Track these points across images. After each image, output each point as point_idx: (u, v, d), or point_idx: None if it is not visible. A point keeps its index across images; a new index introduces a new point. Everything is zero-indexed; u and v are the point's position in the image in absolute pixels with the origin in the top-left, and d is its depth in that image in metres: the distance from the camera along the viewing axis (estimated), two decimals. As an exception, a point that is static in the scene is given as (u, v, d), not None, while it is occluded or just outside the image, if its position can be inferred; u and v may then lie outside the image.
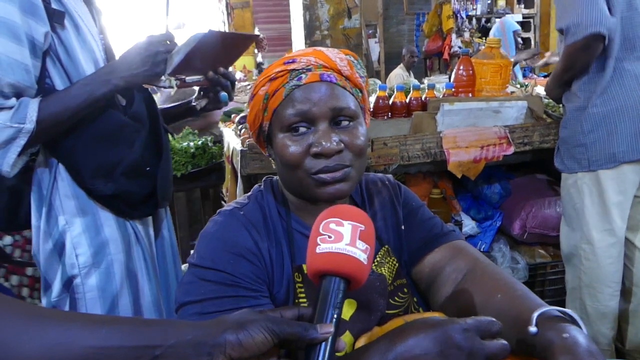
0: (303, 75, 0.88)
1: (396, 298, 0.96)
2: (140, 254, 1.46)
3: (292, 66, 0.88)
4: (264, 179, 1.02)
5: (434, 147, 2.14)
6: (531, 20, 7.76)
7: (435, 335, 0.64)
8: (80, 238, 1.35)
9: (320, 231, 0.70)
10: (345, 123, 0.89)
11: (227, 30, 1.67)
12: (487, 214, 2.52)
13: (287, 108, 0.87)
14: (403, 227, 1.00)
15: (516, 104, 2.22)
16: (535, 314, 0.73)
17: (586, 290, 2.10)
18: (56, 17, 1.24)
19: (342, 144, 0.87)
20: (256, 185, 1.01)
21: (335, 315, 0.64)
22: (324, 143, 0.85)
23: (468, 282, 0.90)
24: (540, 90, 2.84)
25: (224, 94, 1.50)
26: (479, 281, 0.89)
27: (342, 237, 0.68)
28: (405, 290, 0.98)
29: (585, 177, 2.02)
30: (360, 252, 0.68)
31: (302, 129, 0.87)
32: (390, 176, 1.09)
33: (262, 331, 0.59)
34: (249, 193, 1.00)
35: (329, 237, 0.68)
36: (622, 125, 1.94)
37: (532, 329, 0.72)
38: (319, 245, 0.69)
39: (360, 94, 0.93)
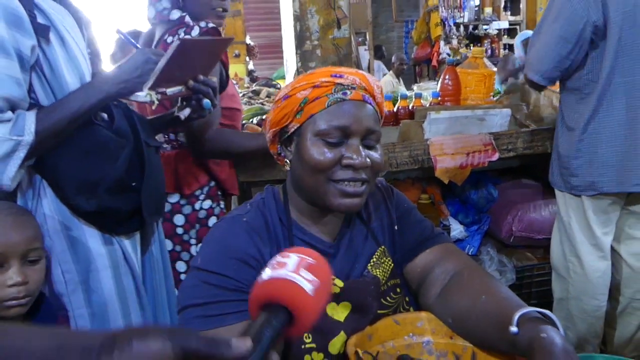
0: (348, 92, 0.95)
1: (388, 298, 1.02)
2: (128, 271, 1.44)
3: (339, 80, 0.95)
4: (265, 187, 1.07)
5: (421, 154, 2.21)
6: (517, 27, 7.89)
7: None
8: (65, 255, 1.34)
9: (267, 265, 0.67)
10: (372, 143, 0.97)
11: (201, 37, 1.69)
12: (475, 218, 2.59)
13: (328, 116, 0.94)
14: (396, 228, 1.06)
15: (500, 111, 2.30)
16: (517, 315, 0.79)
17: (574, 302, 2.12)
18: (41, 32, 1.23)
19: (369, 161, 0.94)
20: (258, 194, 1.06)
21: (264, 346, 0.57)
22: (356, 157, 0.93)
23: (455, 284, 0.97)
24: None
25: (206, 101, 1.47)
26: (466, 283, 0.95)
27: (285, 265, 0.64)
28: (398, 290, 1.04)
29: (571, 197, 2.07)
30: (304, 280, 0.63)
31: (336, 139, 0.94)
32: (382, 179, 1.15)
33: (162, 341, 0.54)
34: (251, 200, 1.05)
35: (273, 266, 0.65)
36: (605, 156, 1.94)
37: (513, 328, 0.79)
38: (260, 275, 0.65)
39: (381, 120, 1.01)
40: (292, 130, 0.98)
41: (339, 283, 0.96)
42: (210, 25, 1.68)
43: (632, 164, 1.90)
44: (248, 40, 6.63)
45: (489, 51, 7.66)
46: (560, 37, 1.89)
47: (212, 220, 1.86)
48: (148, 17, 1.83)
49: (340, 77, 0.95)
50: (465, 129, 2.27)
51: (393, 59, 6.58)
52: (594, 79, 1.92)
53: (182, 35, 1.67)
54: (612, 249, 2.11)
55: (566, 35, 1.87)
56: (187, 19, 1.72)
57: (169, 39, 1.70)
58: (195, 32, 1.68)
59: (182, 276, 1.85)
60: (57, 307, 1.36)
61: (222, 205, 1.92)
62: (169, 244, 1.80)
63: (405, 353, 0.94)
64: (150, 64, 1.31)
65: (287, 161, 1.02)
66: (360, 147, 0.94)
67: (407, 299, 1.05)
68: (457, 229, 2.52)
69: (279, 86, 4.52)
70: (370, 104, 0.96)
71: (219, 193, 1.91)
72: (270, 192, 1.05)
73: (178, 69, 1.35)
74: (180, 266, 1.86)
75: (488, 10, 7.98)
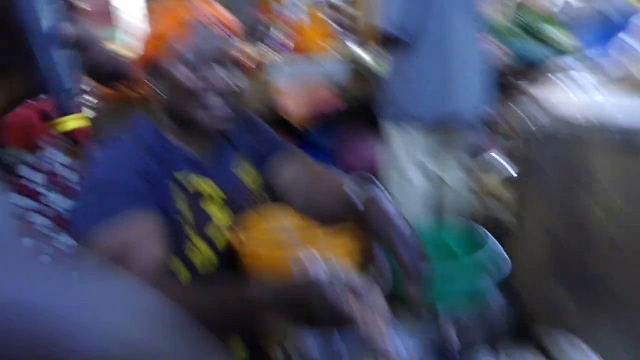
0: (208, 24, 1.04)
1: (255, 200, 1.18)
2: None
3: (198, 15, 1.04)
4: (132, 118, 1.15)
5: (271, 102, 2.38)
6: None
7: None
8: None
9: None
10: (235, 69, 1.08)
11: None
12: (318, 159, 2.84)
13: (194, 46, 1.03)
14: (253, 138, 1.22)
15: (340, 60, 2.56)
16: (352, 184, 1.00)
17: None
18: None
19: (231, 85, 1.06)
20: (123, 127, 1.14)
21: None
22: (222, 82, 1.04)
23: (305, 181, 1.16)
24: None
25: None
26: (314, 178, 1.15)
27: None
28: (268, 198, 1.20)
29: (399, 130, 2.38)
30: None
31: (204, 67, 1.04)
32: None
33: None
34: (120, 130, 1.12)
35: None
36: (427, 90, 2.25)
37: (350, 193, 0.99)
38: None
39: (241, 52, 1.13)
40: (161, 63, 1.07)
41: (221, 192, 1.10)
42: None
43: (447, 97, 2.28)
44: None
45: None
46: None
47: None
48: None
49: (198, 10, 1.06)
50: (309, 78, 2.49)
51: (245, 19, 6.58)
52: (414, 19, 2.22)
53: None
54: (438, 176, 2.50)
55: None
56: None
57: None
58: None
59: None
60: None
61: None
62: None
63: (272, 239, 1.11)
64: None
65: (158, 93, 1.11)
66: (225, 73, 1.06)
67: (269, 201, 1.23)
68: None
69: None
70: (229, 35, 1.09)
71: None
72: (140, 121, 1.13)
73: None
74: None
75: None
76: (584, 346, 0.97)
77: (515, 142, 0.97)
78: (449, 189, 2.50)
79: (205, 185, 1.09)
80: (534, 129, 0.93)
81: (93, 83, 1.87)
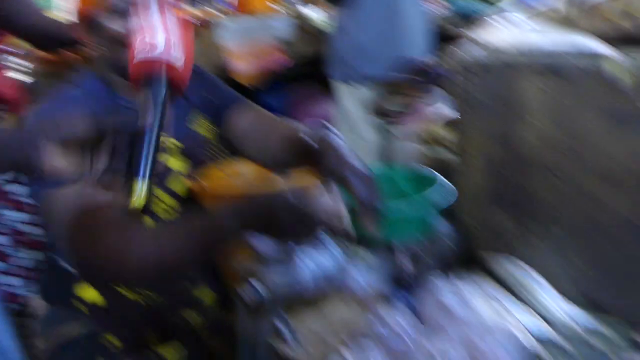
0: None
1: (216, 154, 1.21)
2: None
3: None
4: (74, 75, 1.14)
5: (219, 60, 2.37)
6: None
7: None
8: None
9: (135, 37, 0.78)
10: None
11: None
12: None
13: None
14: (207, 93, 1.24)
15: (286, 19, 2.55)
16: (308, 129, 1.04)
17: None
18: None
19: None
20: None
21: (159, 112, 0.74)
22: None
23: (261, 130, 1.19)
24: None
25: None
26: (269, 127, 1.19)
27: (156, 47, 0.76)
28: (223, 148, 1.23)
29: (347, 86, 2.43)
30: (177, 59, 0.76)
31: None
32: None
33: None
34: (65, 83, 1.12)
35: (145, 45, 0.76)
36: (372, 46, 2.29)
37: (306, 137, 1.03)
38: (136, 51, 0.77)
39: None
40: (96, 17, 1.07)
41: (178, 143, 1.12)
42: None
43: (391, 52, 2.33)
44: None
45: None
46: None
47: None
48: None
49: None
50: (256, 35, 2.48)
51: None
52: None
53: None
54: (387, 129, 2.57)
55: None
56: None
57: None
58: None
59: None
60: None
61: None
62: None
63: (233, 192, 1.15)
64: None
65: (99, 49, 1.10)
66: None
67: (227, 153, 1.26)
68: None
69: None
70: None
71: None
72: (87, 77, 1.13)
73: None
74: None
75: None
76: (525, 266, 1.07)
77: (454, 80, 1.03)
78: (398, 140, 2.59)
79: (164, 139, 1.10)
80: (470, 62, 1.00)
81: (28, 46, 1.82)
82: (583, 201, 0.96)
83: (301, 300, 1.12)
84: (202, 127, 1.21)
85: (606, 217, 0.95)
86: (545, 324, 0.97)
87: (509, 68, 0.94)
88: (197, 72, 1.27)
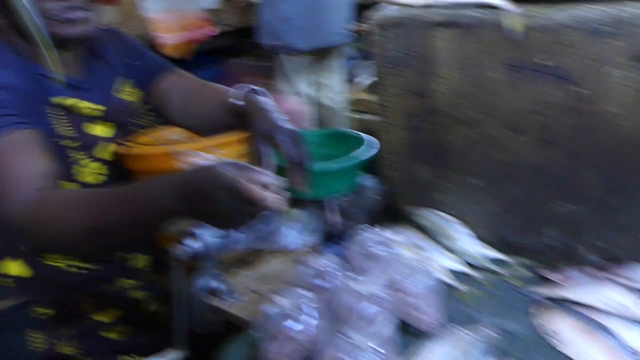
0: None
1: (144, 119, 1.20)
2: None
3: None
4: None
5: (146, 32, 2.31)
6: None
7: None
8: None
9: None
10: None
11: None
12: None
13: None
14: (132, 59, 1.22)
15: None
16: (238, 92, 1.05)
17: None
18: None
19: None
20: None
21: None
22: None
23: (191, 96, 1.19)
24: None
25: None
26: (199, 92, 1.19)
27: None
28: (151, 113, 1.22)
29: (276, 58, 2.45)
30: None
31: None
32: (106, 25, 1.26)
33: None
34: None
35: None
36: (296, 19, 2.32)
37: (235, 100, 1.05)
38: None
39: None
40: None
41: (101, 107, 1.09)
42: None
43: (318, 22, 2.37)
44: None
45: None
46: None
47: None
48: None
49: None
50: (183, 5, 2.44)
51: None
52: None
53: None
54: (316, 98, 2.63)
55: None
56: None
57: None
58: None
59: None
60: None
61: None
62: None
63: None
64: None
65: (9, 20, 1.05)
66: None
67: (158, 119, 1.25)
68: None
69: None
70: None
71: None
72: (2, 50, 1.07)
73: None
74: None
75: None
76: (445, 214, 1.15)
77: (371, 40, 1.07)
78: (327, 109, 2.66)
79: (84, 105, 1.07)
80: (384, 20, 1.04)
81: None
82: (493, 150, 1.04)
83: (234, 257, 1.15)
84: (129, 94, 1.19)
85: (514, 163, 1.03)
86: (461, 263, 1.05)
87: (419, 22, 0.99)
88: (121, 39, 1.25)
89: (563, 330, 0.83)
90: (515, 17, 0.88)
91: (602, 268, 0.97)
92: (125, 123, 1.15)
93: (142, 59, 1.25)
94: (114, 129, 1.12)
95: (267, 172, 0.74)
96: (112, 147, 1.10)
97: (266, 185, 0.72)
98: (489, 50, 0.94)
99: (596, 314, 0.86)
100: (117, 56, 1.22)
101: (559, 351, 0.80)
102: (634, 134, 0.87)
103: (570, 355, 0.79)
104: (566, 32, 0.87)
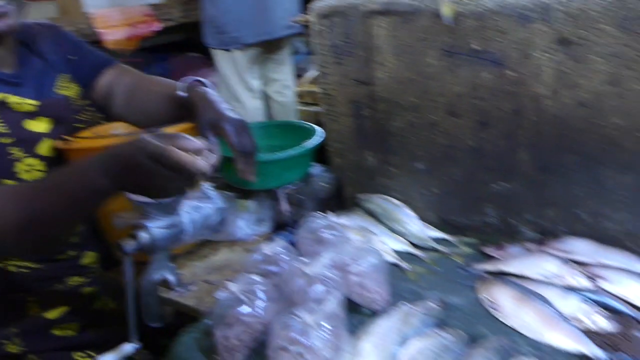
0: None
1: (82, 115, 1.17)
2: None
3: None
4: None
5: (87, 28, 2.24)
6: None
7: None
8: None
9: None
10: None
11: None
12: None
13: None
14: (72, 55, 1.19)
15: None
16: (183, 84, 1.05)
17: None
18: None
19: None
20: None
21: None
22: None
23: (135, 90, 1.18)
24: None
25: None
26: (143, 86, 1.17)
27: None
28: (90, 108, 1.19)
29: (223, 53, 2.42)
30: None
31: None
32: (44, 20, 1.23)
33: None
34: None
35: None
36: (241, 13, 2.31)
37: (181, 92, 1.05)
38: None
39: None
40: None
41: (34, 102, 1.06)
42: None
43: (263, 15, 2.36)
44: None
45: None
46: None
47: None
48: None
49: None
50: (125, 1, 2.38)
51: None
52: None
53: None
54: (264, 92, 2.64)
55: None
56: None
57: None
58: None
59: None
60: None
61: None
62: None
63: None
64: None
65: None
66: None
67: (100, 115, 1.23)
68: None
69: None
70: None
71: None
72: None
73: None
74: None
75: None
76: (392, 199, 1.19)
77: (315, 31, 1.09)
78: (276, 102, 2.67)
79: (14, 100, 1.03)
80: (326, 10, 1.06)
81: None
82: (434, 134, 1.08)
83: (184, 249, 1.15)
84: (70, 90, 1.17)
85: (454, 146, 1.07)
86: (407, 244, 1.09)
87: (358, 11, 1.02)
88: (59, 34, 1.22)
89: (502, 300, 0.88)
90: (447, 4, 0.92)
91: (539, 242, 1.02)
92: (65, 119, 1.12)
93: (82, 54, 1.23)
94: (52, 125, 1.10)
95: (197, 139, 0.74)
96: (51, 142, 1.08)
97: (197, 151, 0.73)
98: (426, 37, 0.98)
99: (533, 284, 0.91)
100: (55, 51, 1.19)
101: (498, 320, 0.85)
102: (560, 113, 0.92)
103: (508, 323, 0.84)
104: (496, 18, 0.91)
